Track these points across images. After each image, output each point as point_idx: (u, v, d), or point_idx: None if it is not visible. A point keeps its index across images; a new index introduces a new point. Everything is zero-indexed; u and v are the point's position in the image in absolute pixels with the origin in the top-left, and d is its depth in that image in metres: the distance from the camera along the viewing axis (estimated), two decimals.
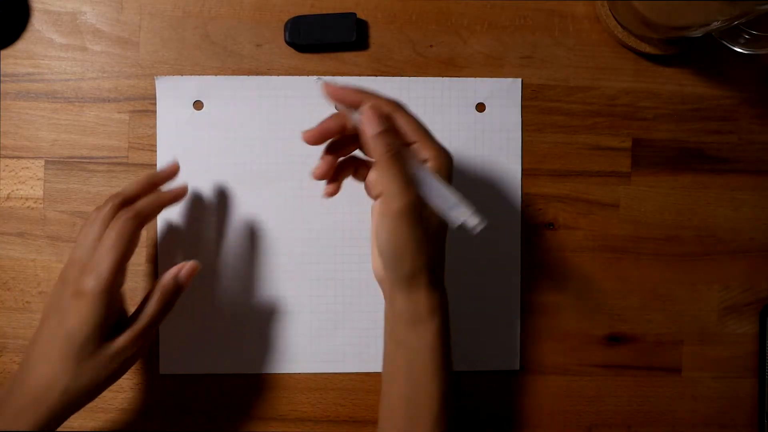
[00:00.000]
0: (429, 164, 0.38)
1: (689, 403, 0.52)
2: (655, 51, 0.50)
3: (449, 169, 0.39)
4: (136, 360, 0.41)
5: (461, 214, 0.37)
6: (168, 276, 0.41)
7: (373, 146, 0.37)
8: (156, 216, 0.44)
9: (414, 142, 0.38)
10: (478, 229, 0.37)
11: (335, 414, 0.50)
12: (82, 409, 0.48)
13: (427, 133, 0.39)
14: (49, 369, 0.38)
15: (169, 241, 0.49)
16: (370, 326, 0.50)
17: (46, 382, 0.38)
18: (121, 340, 0.39)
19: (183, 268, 0.42)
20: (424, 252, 0.38)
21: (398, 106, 0.39)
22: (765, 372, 0.51)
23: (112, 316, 0.39)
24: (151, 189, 0.43)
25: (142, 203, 0.41)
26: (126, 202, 0.41)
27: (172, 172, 0.45)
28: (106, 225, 0.40)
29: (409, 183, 0.37)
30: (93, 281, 0.38)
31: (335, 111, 0.40)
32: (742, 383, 0.52)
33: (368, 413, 0.50)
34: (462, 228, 0.38)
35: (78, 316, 0.37)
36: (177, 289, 0.42)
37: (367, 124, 0.37)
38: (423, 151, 0.38)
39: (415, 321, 0.39)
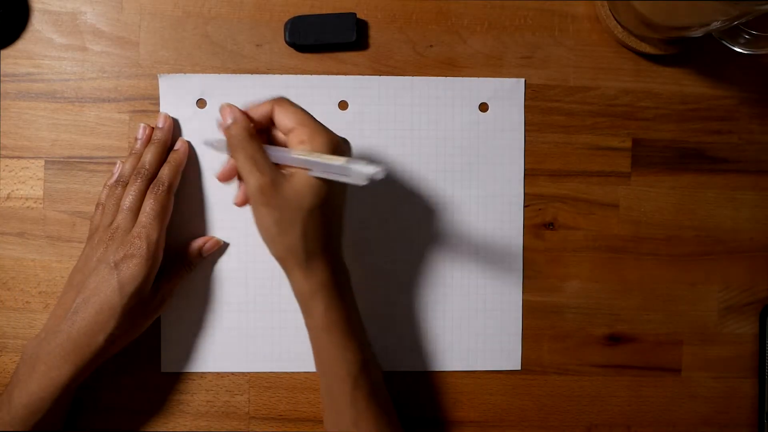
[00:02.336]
0: (304, 146, 0.39)
1: (689, 403, 0.52)
2: (655, 51, 0.50)
3: (328, 145, 0.39)
4: (158, 315, 0.46)
5: (353, 172, 0.36)
6: (195, 246, 0.48)
7: (226, 139, 0.41)
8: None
9: (292, 129, 0.40)
10: (380, 175, 0.36)
11: None
12: (82, 408, 0.48)
13: (306, 119, 0.40)
14: (96, 317, 0.41)
15: (170, 238, 0.49)
16: (370, 326, 0.50)
17: (92, 328, 0.41)
18: (159, 295, 0.45)
19: (208, 241, 0.48)
20: (289, 233, 0.39)
21: (278, 101, 0.41)
22: (765, 372, 0.51)
23: (155, 272, 0.44)
24: (165, 151, 0.47)
25: (170, 175, 0.46)
26: (151, 172, 0.46)
27: (171, 126, 0.48)
28: (142, 195, 0.45)
29: (257, 168, 0.39)
30: (144, 245, 0.42)
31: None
32: (742, 383, 0.52)
33: None
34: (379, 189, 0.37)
35: (130, 273, 0.42)
36: (199, 257, 0.48)
37: (221, 120, 0.41)
38: (298, 136, 0.39)
39: (301, 303, 0.43)
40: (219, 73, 0.49)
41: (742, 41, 0.48)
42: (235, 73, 0.49)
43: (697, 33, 0.45)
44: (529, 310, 0.51)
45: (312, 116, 0.40)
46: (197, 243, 0.48)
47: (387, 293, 0.50)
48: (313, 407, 0.50)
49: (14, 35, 0.48)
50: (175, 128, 0.48)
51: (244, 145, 0.40)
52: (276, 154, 0.40)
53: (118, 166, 0.47)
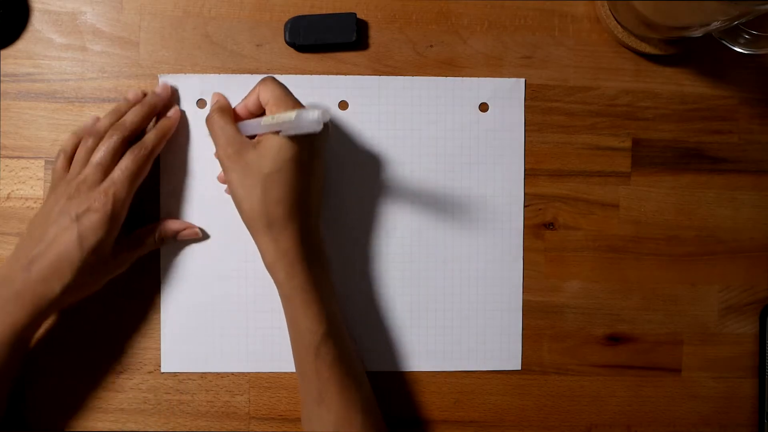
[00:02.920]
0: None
1: (689, 403, 0.52)
2: (655, 51, 0.50)
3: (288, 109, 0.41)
4: (118, 273, 0.46)
5: (303, 121, 0.37)
6: (172, 227, 0.48)
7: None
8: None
9: (267, 103, 0.43)
10: (326, 117, 0.37)
11: None
12: (82, 408, 0.48)
13: (281, 94, 0.42)
14: (53, 268, 0.41)
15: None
16: (370, 326, 0.50)
17: (49, 278, 0.41)
18: (121, 257, 0.45)
19: (187, 228, 0.48)
20: (252, 195, 0.41)
21: (263, 80, 0.43)
22: (765, 372, 0.51)
23: (116, 232, 0.43)
24: (152, 117, 0.47)
25: (154, 140, 0.45)
26: (131, 131, 0.45)
27: (168, 94, 0.48)
28: (115, 153, 0.44)
29: (224, 136, 0.42)
30: (110, 202, 0.42)
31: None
32: (742, 383, 0.52)
33: None
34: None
35: (91, 227, 0.42)
36: (173, 239, 0.48)
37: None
38: (270, 108, 0.42)
39: (268, 269, 0.43)
40: (219, 73, 0.49)
41: (742, 41, 0.48)
42: (235, 73, 0.49)
43: (697, 33, 0.45)
44: (529, 310, 0.51)
45: (288, 92, 0.43)
46: (176, 225, 0.48)
47: (386, 293, 0.50)
48: None
49: (14, 35, 0.48)
50: (176, 131, 0.48)
51: (215, 118, 0.43)
52: (247, 126, 0.43)
53: (93, 117, 0.47)
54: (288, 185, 0.41)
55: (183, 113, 0.48)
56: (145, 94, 0.47)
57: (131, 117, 0.45)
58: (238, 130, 0.43)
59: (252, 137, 0.43)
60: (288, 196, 0.41)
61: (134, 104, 0.46)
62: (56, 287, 0.41)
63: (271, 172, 0.41)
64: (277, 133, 0.41)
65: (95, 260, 0.42)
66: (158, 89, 0.47)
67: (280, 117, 0.40)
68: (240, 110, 0.45)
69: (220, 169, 0.44)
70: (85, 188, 0.42)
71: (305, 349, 0.43)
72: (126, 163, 0.43)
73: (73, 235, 0.41)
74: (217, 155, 0.43)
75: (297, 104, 0.43)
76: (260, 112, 0.44)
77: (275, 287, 0.44)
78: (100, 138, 0.44)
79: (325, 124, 0.39)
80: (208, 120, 0.44)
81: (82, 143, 0.45)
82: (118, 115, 0.46)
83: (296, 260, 0.42)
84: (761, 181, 0.52)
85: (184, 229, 0.48)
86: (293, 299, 0.43)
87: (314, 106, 0.39)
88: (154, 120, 0.47)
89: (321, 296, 0.43)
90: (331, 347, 0.43)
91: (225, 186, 0.47)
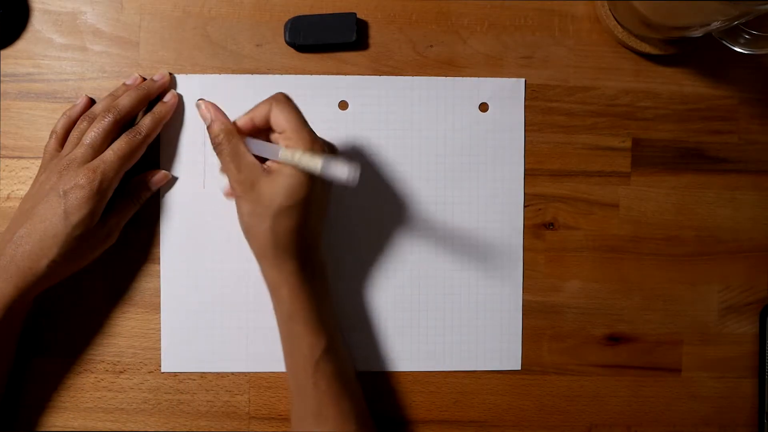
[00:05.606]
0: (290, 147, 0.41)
1: (689, 403, 0.52)
2: (655, 51, 0.50)
3: (307, 147, 0.40)
4: (108, 246, 0.46)
5: (329, 174, 0.38)
6: (142, 178, 0.47)
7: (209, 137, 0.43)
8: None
9: (283, 131, 0.41)
10: (353, 176, 0.37)
11: None
12: (82, 409, 0.48)
13: (297, 123, 0.41)
14: (40, 243, 0.42)
15: (171, 238, 0.49)
16: (371, 326, 0.50)
17: (36, 253, 0.42)
18: (106, 228, 0.45)
19: (156, 174, 0.48)
20: (260, 227, 0.41)
21: (277, 100, 0.42)
22: (765, 372, 0.51)
23: (101, 209, 0.44)
24: (147, 101, 0.47)
25: (150, 126, 0.46)
26: (123, 114, 0.45)
27: (165, 82, 0.48)
28: (106, 134, 0.44)
29: (236, 165, 0.41)
30: (98, 179, 0.42)
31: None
32: (742, 383, 0.52)
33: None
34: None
35: (77, 203, 0.42)
36: (147, 190, 0.47)
37: (202, 118, 0.43)
38: (286, 138, 0.41)
39: (270, 291, 0.44)
40: (219, 73, 0.49)
41: (742, 41, 0.48)
42: (235, 73, 0.49)
43: (697, 33, 0.45)
44: (529, 310, 0.51)
45: (304, 120, 0.42)
46: (144, 175, 0.47)
47: (386, 293, 0.50)
48: None
49: (14, 35, 0.48)
50: (176, 132, 0.48)
51: (225, 143, 0.42)
52: (262, 147, 0.42)
53: (82, 97, 0.47)
54: (299, 220, 0.41)
55: (180, 97, 0.48)
56: (144, 80, 0.48)
57: (125, 100, 0.45)
58: (250, 154, 0.42)
59: (261, 158, 0.42)
60: (298, 229, 0.42)
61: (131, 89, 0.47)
62: (42, 262, 0.42)
63: (284, 207, 0.41)
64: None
65: (81, 235, 0.43)
66: (156, 76, 0.48)
67: (303, 160, 0.39)
68: (244, 123, 0.42)
69: (224, 180, 0.43)
70: (75, 166, 0.43)
71: (305, 364, 0.43)
72: (119, 144, 0.44)
73: (59, 210, 0.42)
74: (229, 181, 0.42)
75: (313, 136, 0.41)
76: (266, 128, 0.43)
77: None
78: (92, 120, 0.45)
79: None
80: (217, 142, 0.42)
81: (76, 125, 0.46)
82: (113, 99, 0.46)
83: (299, 281, 0.43)
84: (761, 181, 0.52)
85: (154, 176, 0.47)
86: (296, 316, 0.43)
87: (338, 157, 0.38)
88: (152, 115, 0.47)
89: (322, 313, 0.44)
90: (330, 362, 0.44)
91: (225, 187, 0.46)
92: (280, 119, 0.41)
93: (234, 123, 0.42)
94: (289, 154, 0.40)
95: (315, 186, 0.41)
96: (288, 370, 0.45)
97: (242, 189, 0.41)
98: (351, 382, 0.46)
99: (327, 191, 0.45)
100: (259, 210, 0.41)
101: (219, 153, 0.42)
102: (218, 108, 0.43)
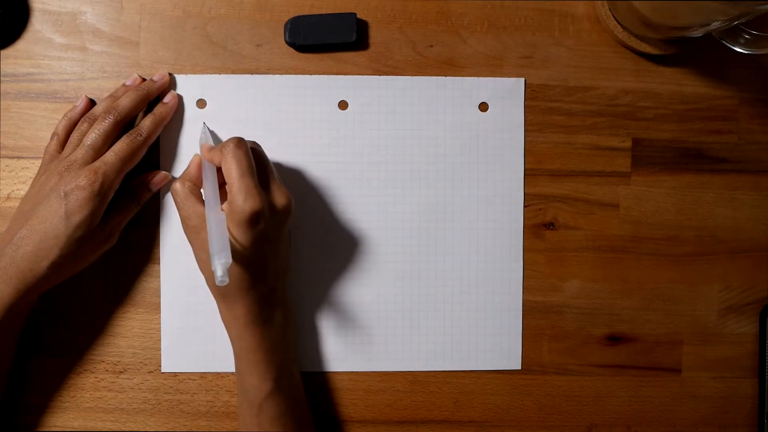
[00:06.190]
0: (224, 207, 0.41)
1: (689, 403, 0.52)
2: (655, 51, 0.50)
3: (239, 218, 0.40)
4: (108, 247, 0.46)
5: (214, 264, 0.38)
6: (143, 179, 0.47)
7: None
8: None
9: (226, 185, 0.41)
10: (221, 282, 0.37)
11: (334, 413, 0.50)
12: (82, 409, 0.48)
13: (240, 178, 0.40)
14: (40, 244, 0.42)
15: (171, 238, 0.49)
16: (371, 325, 0.50)
17: (36, 254, 0.42)
18: (107, 229, 0.45)
19: (156, 175, 0.47)
20: (208, 273, 0.43)
21: (227, 149, 0.41)
22: (765, 372, 0.51)
23: (102, 210, 0.44)
24: (147, 102, 0.47)
25: (150, 127, 0.46)
26: (123, 115, 0.45)
27: (165, 83, 0.48)
28: (107, 136, 0.44)
29: (183, 210, 0.43)
30: (99, 181, 0.42)
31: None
32: (742, 383, 0.52)
33: (367, 413, 0.50)
34: None
35: (78, 204, 0.42)
36: (147, 191, 0.47)
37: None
38: (228, 193, 0.41)
39: (222, 321, 0.45)
40: (219, 73, 0.49)
41: (742, 41, 0.48)
42: (235, 73, 0.49)
43: (697, 33, 0.45)
44: (529, 310, 0.51)
45: (247, 172, 0.40)
46: (145, 176, 0.47)
47: (386, 293, 0.50)
48: (313, 407, 0.50)
49: (14, 35, 0.48)
50: (176, 132, 0.48)
51: (179, 190, 0.43)
52: (209, 200, 0.41)
53: (82, 98, 0.48)
54: (245, 262, 0.41)
55: (180, 98, 0.48)
56: (144, 80, 0.48)
57: (125, 101, 0.46)
58: (201, 203, 0.42)
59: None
60: (244, 271, 0.42)
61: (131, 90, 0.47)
62: (43, 264, 0.42)
63: (248, 247, 0.41)
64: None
65: (82, 236, 0.42)
66: (156, 77, 0.48)
67: (211, 247, 0.38)
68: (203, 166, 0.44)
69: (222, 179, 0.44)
70: (76, 167, 0.43)
71: (249, 405, 0.44)
72: (120, 146, 0.44)
73: (60, 211, 0.42)
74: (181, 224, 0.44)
75: (251, 191, 0.40)
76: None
77: None
78: (93, 121, 0.45)
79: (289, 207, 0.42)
80: (172, 189, 0.43)
81: (77, 127, 0.46)
82: (114, 100, 0.46)
83: (247, 324, 0.43)
84: (761, 181, 0.52)
85: (154, 177, 0.47)
86: (241, 358, 0.44)
87: (221, 258, 0.37)
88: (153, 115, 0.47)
89: (270, 355, 0.44)
90: (275, 404, 0.44)
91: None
92: (224, 170, 0.41)
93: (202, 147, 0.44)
94: (214, 228, 0.39)
95: (265, 225, 0.41)
96: (237, 405, 0.46)
97: (191, 235, 0.43)
98: (299, 420, 0.46)
99: (280, 226, 0.43)
100: (205, 257, 0.42)
101: (174, 197, 0.43)
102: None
